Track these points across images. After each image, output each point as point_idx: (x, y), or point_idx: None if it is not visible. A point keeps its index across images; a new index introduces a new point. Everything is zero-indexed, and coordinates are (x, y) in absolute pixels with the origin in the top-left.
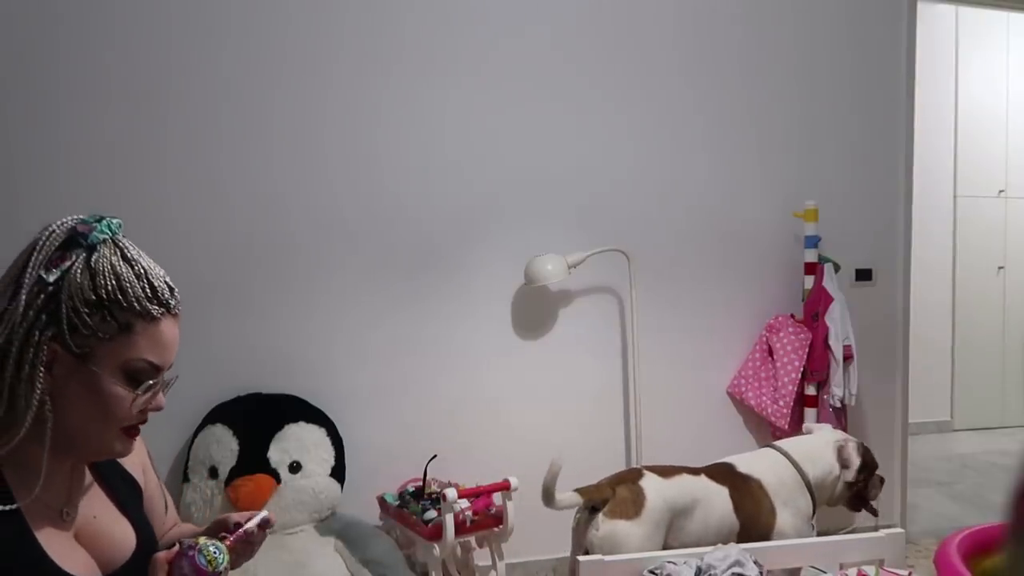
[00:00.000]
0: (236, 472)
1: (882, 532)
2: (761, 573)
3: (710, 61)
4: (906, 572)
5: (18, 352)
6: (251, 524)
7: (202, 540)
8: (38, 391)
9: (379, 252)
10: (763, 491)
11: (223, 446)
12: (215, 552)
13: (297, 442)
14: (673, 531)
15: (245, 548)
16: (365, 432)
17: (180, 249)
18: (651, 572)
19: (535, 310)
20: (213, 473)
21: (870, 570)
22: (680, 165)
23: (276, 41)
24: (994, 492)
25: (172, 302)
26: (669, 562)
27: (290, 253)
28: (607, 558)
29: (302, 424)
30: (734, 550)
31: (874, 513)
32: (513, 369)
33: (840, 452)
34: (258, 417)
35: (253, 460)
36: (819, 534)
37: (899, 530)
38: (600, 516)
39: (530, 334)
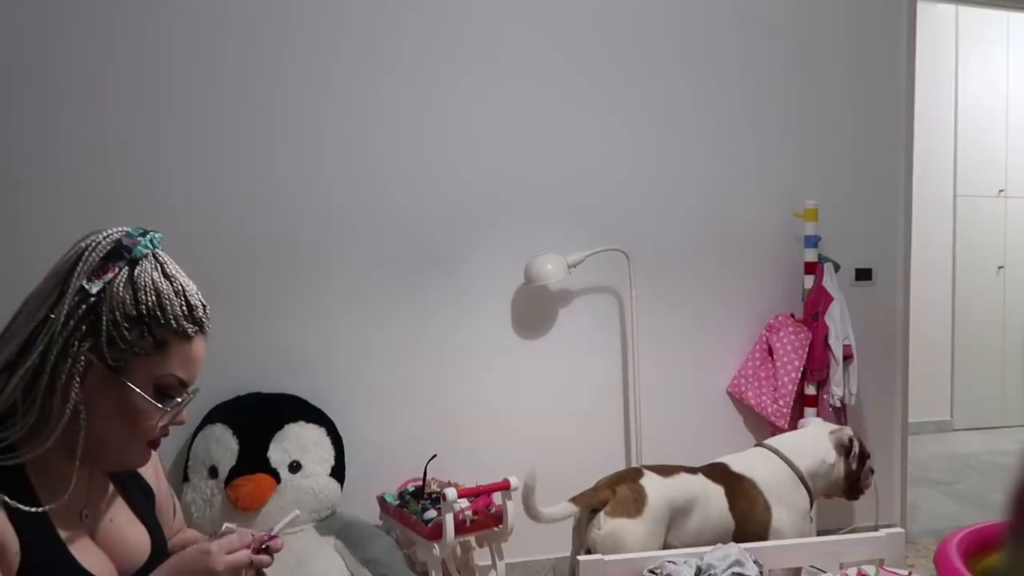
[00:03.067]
0: (236, 472)
1: (882, 532)
2: (761, 572)
3: (710, 62)
4: (906, 572)
5: (55, 361)
6: (280, 526)
7: None
8: (72, 401)
9: (379, 251)
10: (757, 490)
11: (223, 446)
12: None
13: (297, 442)
14: (673, 530)
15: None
16: (365, 431)
17: (181, 248)
18: (651, 572)
19: (535, 310)
20: (213, 473)
21: (870, 570)
22: (680, 165)
23: (278, 41)
24: (994, 492)
25: (205, 320)
26: (669, 561)
27: (291, 253)
28: (607, 557)
29: (302, 423)
30: (734, 549)
31: (858, 496)
32: (513, 368)
33: (839, 442)
34: (258, 416)
35: (253, 460)
36: (819, 533)
37: (899, 530)
38: (602, 515)
39: (530, 334)
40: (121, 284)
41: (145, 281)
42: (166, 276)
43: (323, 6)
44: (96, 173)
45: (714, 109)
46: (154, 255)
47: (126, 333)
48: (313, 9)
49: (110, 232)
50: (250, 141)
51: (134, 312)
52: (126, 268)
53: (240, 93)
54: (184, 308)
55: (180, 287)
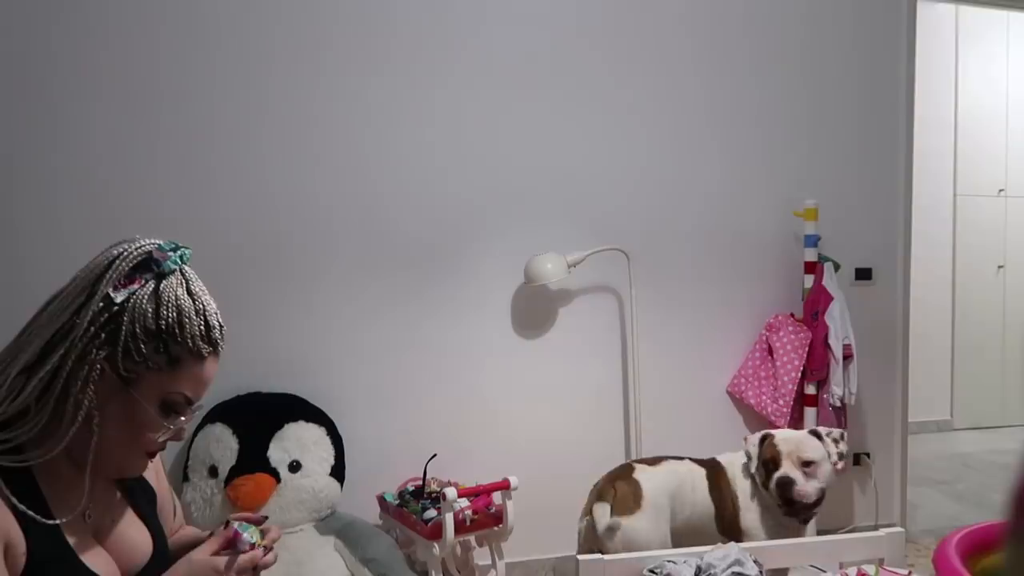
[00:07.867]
0: (236, 471)
1: (882, 531)
2: (761, 572)
3: (710, 61)
4: (906, 571)
5: (72, 366)
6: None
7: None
8: (84, 408)
9: (379, 251)
10: (727, 479)
11: (223, 445)
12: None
13: (297, 441)
14: (671, 514)
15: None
16: (365, 431)
17: None
18: (651, 571)
19: (535, 309)
20: (213, 472)
21: (870, 569)
22: (680, 165)
23: (271, 41)
24: (994, 491)
25: (220, 341)
26: (669, 561)
27: (289, 252)
28: (607, 557)
29: (302, 423)
30: (734, 549)
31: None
32: (513, 368)
33: (746, 441)
34: (258, 416)
35: (253, 459)
36: (819, 533)
37: (899, 529)
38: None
39: (530, 333)
40: (145, 296)
41: (169, 297)
42: (190, 294)
43: (314, 8)
44: (91, 174)
45: (714, 109)
46: (181, 271)
47: (142, 346)
48: (304, 11)
49: (142, 243)
50: (245, 140)
51: (153, 327)
52: (152, 281)
53: (232, 94)
54: (202, 328)
55: (202, 306)
